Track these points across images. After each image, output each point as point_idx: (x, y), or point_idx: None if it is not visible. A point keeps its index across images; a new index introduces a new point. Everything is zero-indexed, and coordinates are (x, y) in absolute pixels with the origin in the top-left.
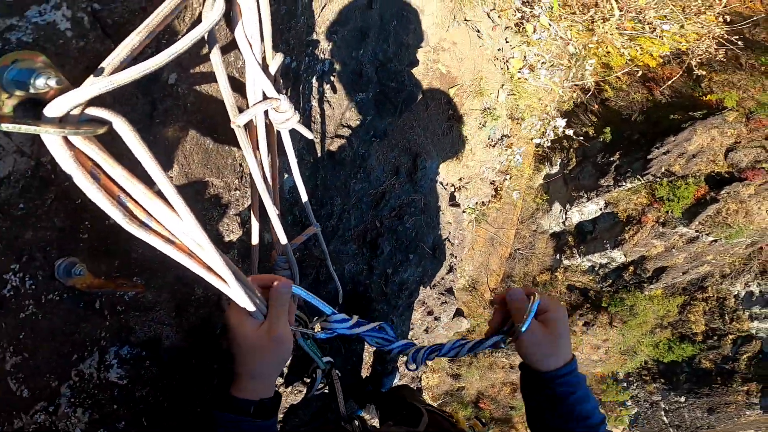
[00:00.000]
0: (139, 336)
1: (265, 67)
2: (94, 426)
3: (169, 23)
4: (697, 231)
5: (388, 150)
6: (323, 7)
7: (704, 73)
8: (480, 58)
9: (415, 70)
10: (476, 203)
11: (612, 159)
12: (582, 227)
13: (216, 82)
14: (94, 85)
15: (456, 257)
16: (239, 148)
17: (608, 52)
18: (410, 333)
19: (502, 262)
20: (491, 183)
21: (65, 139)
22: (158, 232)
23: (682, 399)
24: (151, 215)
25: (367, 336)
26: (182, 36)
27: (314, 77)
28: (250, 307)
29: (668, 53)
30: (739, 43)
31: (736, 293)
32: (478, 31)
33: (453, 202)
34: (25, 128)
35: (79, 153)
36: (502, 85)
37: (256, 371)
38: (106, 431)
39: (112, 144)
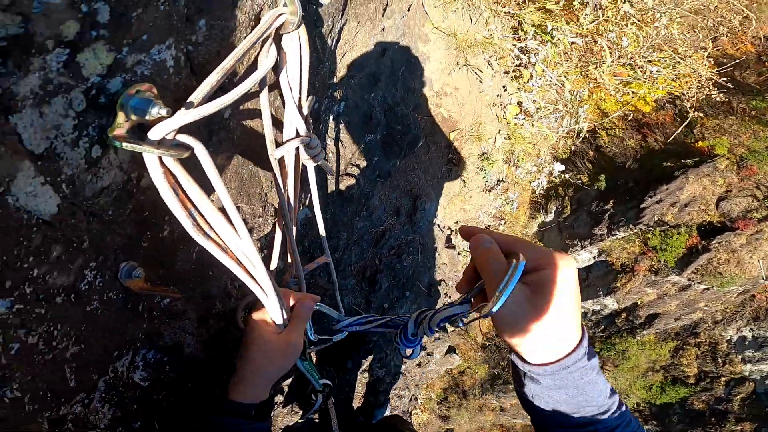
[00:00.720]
0: (166, 341)
1: (299, 107)
2: (114, 423)
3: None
4: (689, 279)
5: (390, 191)
6: (344, 55)
7: (695, 118)
8: (479, 104)
9: (419, 114)
10: None
11: (606, 207)
12: None
13: (257, 118)
14: (186, 115)
15: (450, 297)
16: (266, 179)
17: (601, 98)
18: (403, 367)
19: None
20: (486, 227)
21: (160, 158)
22: (216, 242)
23: None
24: (212, 229)
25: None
26: (241, 78)
27: (331, 117)
28: (279, 320)
29: (662, 97)
30: (729, 85)
31: (728, 338)
32: (479, 77)
33: (449, 244)
34: (139, 147)
35: (166, 171)
36: (499, 130)
37: (265, 374)
38: (123, 429)
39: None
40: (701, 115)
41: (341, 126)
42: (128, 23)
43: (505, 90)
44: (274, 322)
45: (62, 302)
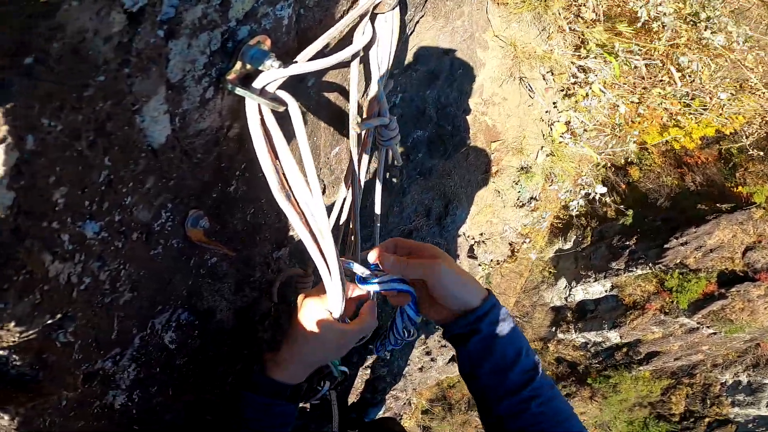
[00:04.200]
0: (203, 304)
1: (384, 88)
2: (134, 385)
3: None
4: (698, 323)
5: (424, 191)
6: (413, 47)
7: (740, 161)
8: (526, 117)
9: (466, 118)
10: (491, 260)
11: (628, 243)
12: (584, 305)
13: (333, 92)
14: (292, 68)
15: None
16: (324, 155)
17: (644, 129)
18: (406, 369)
19: None
20: (510, 244)
21: (259, 107)
22: (294, 206)
23: None
24: (291, 189)
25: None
26: (332, 50)
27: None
28: (336, 309)
29: (709, 136)
30: None
31: (723, 381)
32: (531, 91)
33: (471, 254)
34: (247, 93)
35: (262, 121)
36: (542, 146)
37: (310, 363)
38: (140, 392)
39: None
40: (751, 155)
41: (394, 117)
42: None
43: (555, 107)
44: (329, 311)
45: (136, 239)
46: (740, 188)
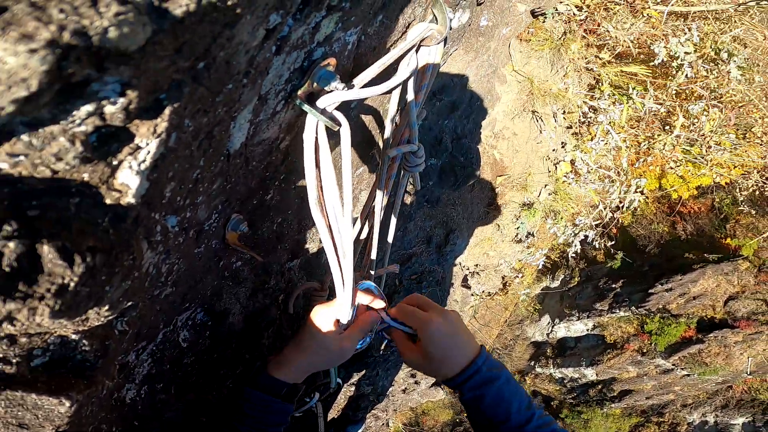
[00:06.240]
0: (220, 305)
1: (417, 116)
2: (145, 380)
3: None
4: (673, 364)
5: (427, 219)
6: (440, 77)
7: (732, 213)
8: (533, 154)
9: (478, 151)
10: (482, 291)
11: (614, 286)
12: (564, 342)
13: (369, 115)
14: (351, 92)
15: None
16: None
17: (642, 174)
18: (390, 389)
19: None
20: (503, 277)
21: (317, 124)
22: (325, 219)
23: None
24: (324, 205)
25: None
26: (380, 77)
27: None
28: (344, 318)
29: (705, 185)
30: None
31: (690, 420)
32: (541, 127)
33: (465, 283)
34: (312, 111)
35: (316, 138)
36: (546, 185)
37: (309, 365)
38: (148, 387)
39: None
40: (741, 210)
41: (421, 144)
42: (359, 3)
43: (563, 146)
44: (338, 320)
45: (190, 237)
46: (728, 240)
